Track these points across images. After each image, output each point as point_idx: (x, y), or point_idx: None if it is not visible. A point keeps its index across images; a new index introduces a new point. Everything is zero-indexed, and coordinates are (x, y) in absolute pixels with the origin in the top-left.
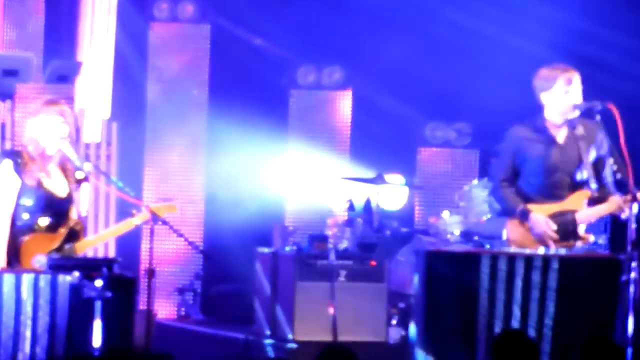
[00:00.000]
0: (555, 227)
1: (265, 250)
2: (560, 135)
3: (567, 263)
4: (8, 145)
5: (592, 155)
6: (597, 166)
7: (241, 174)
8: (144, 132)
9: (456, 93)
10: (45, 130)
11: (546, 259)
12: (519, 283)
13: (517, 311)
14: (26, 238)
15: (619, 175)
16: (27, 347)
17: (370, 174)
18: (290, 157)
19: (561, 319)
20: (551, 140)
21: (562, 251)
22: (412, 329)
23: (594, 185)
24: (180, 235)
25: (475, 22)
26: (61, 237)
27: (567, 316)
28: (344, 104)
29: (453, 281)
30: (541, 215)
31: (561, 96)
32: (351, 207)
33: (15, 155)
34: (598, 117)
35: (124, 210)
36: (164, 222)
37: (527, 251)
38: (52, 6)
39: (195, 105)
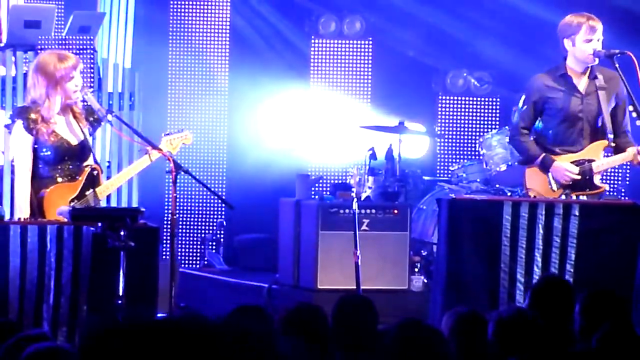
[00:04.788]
0: (577, 170)
1: (288, 199)
2: (582, 84)
3: (588, 210)
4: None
5: (611, 104)
6: (616, 115)
7: (263, 123)
8: (166, 81)
9: (477, 41)
10: (60, 83)
11: (567, 206)
12: (540, 230)
13: (538, 257)
14: (46, 191)
15: (638, 122)
16: (50, 297)
17: (391, 122)
18: (312, 106)
19: (582, 265)
20: (573, 89)
21: (583, 198)
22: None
23: (611, 135)
24: (204, 185)
25: None
26: (79, 184)
27: (588, 262)
28: (365, 53)
29: (475, 228)
30: (564, 162)
31: (583, 43)
32: (373, 156)
33: (25, 113)
34: (617, 64)
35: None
36: (187, 172)
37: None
38: None
39: (217, 54)
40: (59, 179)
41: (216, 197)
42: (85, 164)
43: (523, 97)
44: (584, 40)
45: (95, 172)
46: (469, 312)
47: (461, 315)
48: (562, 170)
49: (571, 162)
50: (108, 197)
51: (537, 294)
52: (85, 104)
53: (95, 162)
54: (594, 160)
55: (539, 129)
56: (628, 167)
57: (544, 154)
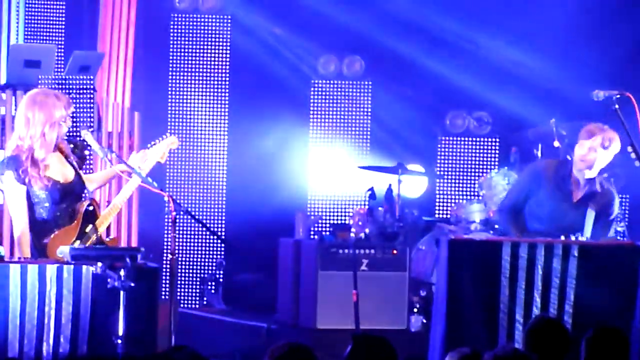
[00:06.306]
0: None
1: (288, 239)
2: (577, 195)
3: (587, 250)
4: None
5: (593, 215)
6: (596, 226)
7: (263, 164)
8: (165, 120)
9: (476, 82)
10: (59, 122)
11: (566, 247)
12: (539, 270)
13: (537, 298)
14: (48, 239)
15: (637, 163)
16: (51, 337)
17: (391, 163)
18: (311, 146)
19: (581, 306)
20: (567, 195)
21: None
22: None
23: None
24: (203, 225)
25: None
26: (79, 222)
27: (587, 303)
28: (365, 94)
29: (474, 269)
30: None
31: (578, 146)
32: (372, 196)
33: (14, 163)
34: (617, 106)
35: (147, 200)
36: (187, 212)
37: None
38: None
39: (216, 93)
40: (60, 221)
41: (215, 237)
42: (80, 202)
43: (522, 175)
44: (579, 144)
45: (90, 208)
46: (472, 353)
47: (464, 355)
48: None
49: None
50: (108, 231)
51: (532, 335)
52: (82, 140)
53: (88, 196)
54: None
55: (526, 210)
56: (626, 205)
57: None
